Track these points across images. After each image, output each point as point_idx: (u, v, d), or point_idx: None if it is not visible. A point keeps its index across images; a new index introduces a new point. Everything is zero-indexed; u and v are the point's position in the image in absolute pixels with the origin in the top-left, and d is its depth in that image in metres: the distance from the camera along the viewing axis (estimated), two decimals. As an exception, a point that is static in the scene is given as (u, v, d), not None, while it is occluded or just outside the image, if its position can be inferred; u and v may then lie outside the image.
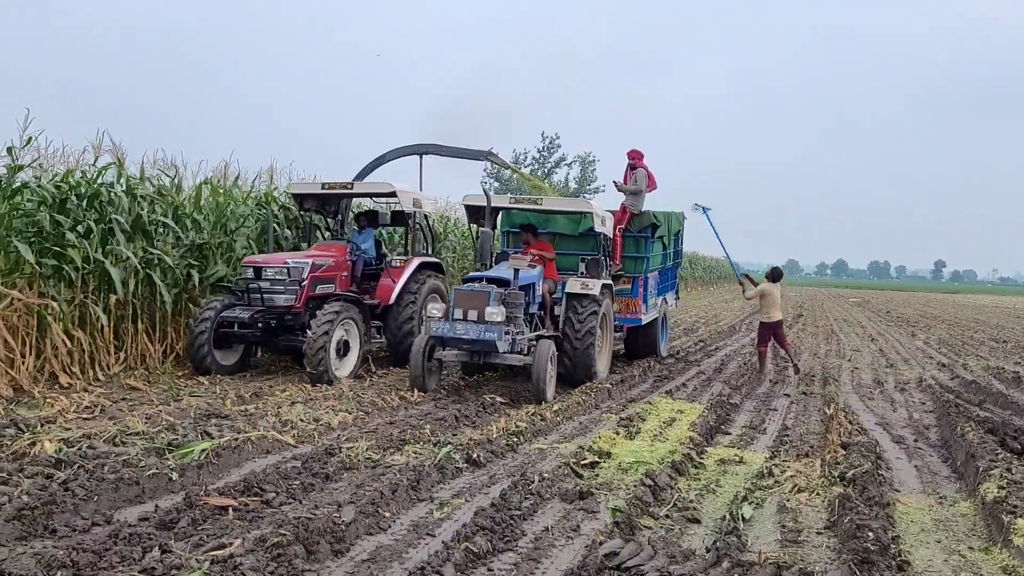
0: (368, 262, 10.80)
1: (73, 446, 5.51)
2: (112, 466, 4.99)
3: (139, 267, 9.10)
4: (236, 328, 9.29)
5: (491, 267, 9.48)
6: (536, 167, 54.57)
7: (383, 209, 11.87)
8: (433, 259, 11.25)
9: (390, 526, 4.42)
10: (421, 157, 12.55)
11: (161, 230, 9.80)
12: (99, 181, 9.13)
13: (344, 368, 9.35)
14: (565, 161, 56.42)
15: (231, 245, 10.73)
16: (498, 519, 4.45)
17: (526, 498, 4.89)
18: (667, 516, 4.90)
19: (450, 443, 6.26)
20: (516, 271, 8.82)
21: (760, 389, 10.62)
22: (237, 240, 10.81)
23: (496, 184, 48.59)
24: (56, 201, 8.52)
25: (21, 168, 8.34)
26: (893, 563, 3.95)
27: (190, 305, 9.96)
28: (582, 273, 10.26)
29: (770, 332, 11.82)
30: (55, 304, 8.16)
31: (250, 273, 9.49)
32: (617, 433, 6.98)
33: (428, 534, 4.34)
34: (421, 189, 11.93)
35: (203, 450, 5.46)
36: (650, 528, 4.67)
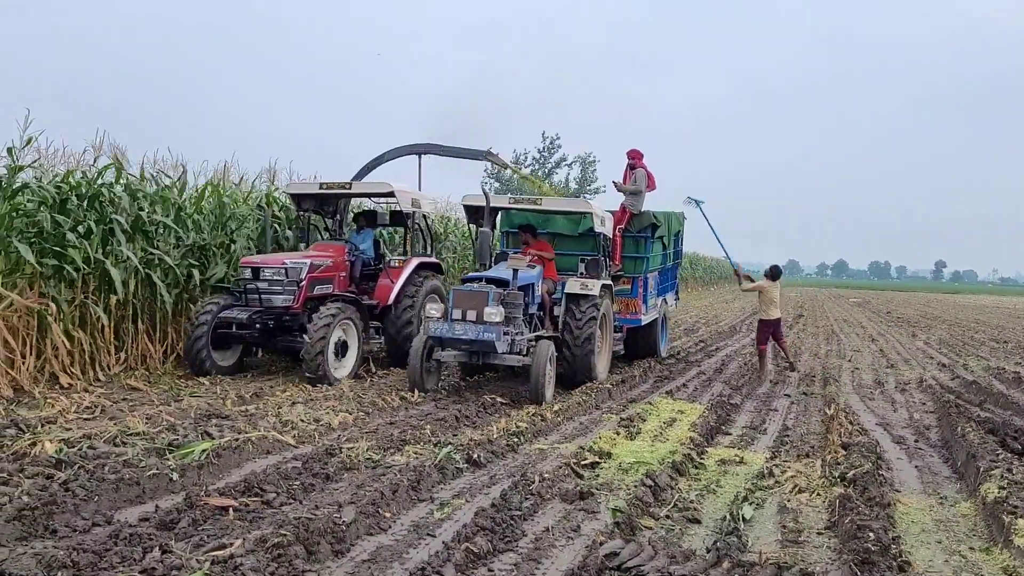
0: (367, 262, 10.77)
1: (74, 446, 5.51)
2: (112, 466, 4.99)
3: (139, 267, 9.10)
4: (234, 329, 9.26)
5: (490, 267, 9.46)
6: (536, 167, 54.57)
7: (382, 209, 11.85)
8: (432, 259, 11.21)
9: (390, 526, 4.42)
10: (420, 157, 12.53)
11: (162, 230, 9.80)
12: (99, 182, 9.13)
13: (343, 369, 9.33)
14: (566, 161, 56.44)
15: (231, 246, 10.72)
16: (498, 519, 4.45)
17: (526, 498, 4.89)
18: (667, 516, 4.90)
19: (450, 443, 6.26)
20: (515, 271, 8.78)
21: (760, 389, 10.62)
22: (237, 240, 10.81)
23: (496, 184, 48.60)
24: (56, 201, 8.53)
25: (22, 168, 8.34)
26: (894, 563, 3.95)
27: (191, 305, 9.96)
28: (582, 273, 10.24)
29: (769, 330, 11.86)
30: (54, 304, 8.16)
31: (248, 273, 9.46)
32: (618, 433, 6.98)
33: (428, 534, 4.34)
34: (420, 189, 11.90)
35: (203, 450, 5.46)
36: (650, 528, 4.67)
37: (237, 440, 5.84)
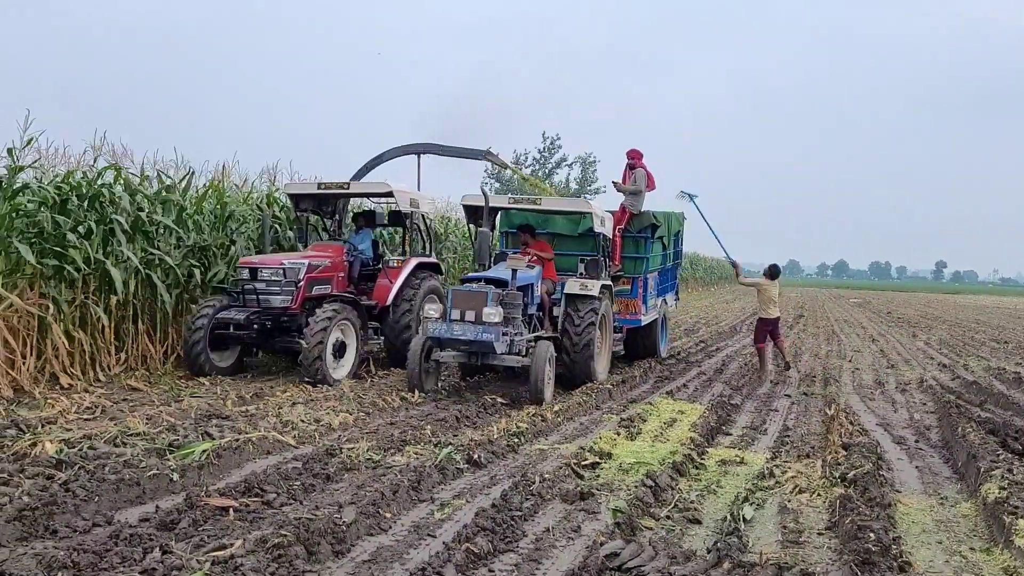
0: (365, 263, 10.73)
1: (74, 447, 5.51)
2: (113, 467, 4.99)
3: (140, 268, 9.10)
4: (232, 330, 9.21)
5: (489, 268, 9.44)
6: (537, 168, 54.58)
7: (381, 209, 11.82)
8: (431, 259, 11.18)
9: (391, 527, 4.42)
10: (419, 157, 12.52)
11: (162, 231, 9.80)
12: (99, 182, 9.13)
13: (341, 370, 9.30)
14: (566, 162, 56.45)
15: (231, 247, 10.72)
16: (499, 520, 4.45)
17: (527, 499, 4.89)
18: (668, 517, 4.90)
19: (451, 444, 6.26)
20: (514, 272, 8.74)
21: (761, 390, 10.62)
22: (237, 241, 10.80)
23: (497, 185, 48.60)
24: (57, 202, 8.53)
25: (22, 169, 8.34)
26: (894, 564, 3.95)
27: (191, 306, 9.96)
28: (581, 274, 10.22)
29: (767, 329, 11.90)
30: (54, 305, 8.17)
31: (245, 274, 9.41)
32: (618, 434, 6.97)
33: (429, 535, 4.34)
34: (419, 189, 11.87)
35: (204, 451, 5.46)
36: (651, 529, 4.67)
37: (237, 440, 5.83)
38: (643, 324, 11.96)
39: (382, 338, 10.61)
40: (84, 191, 8.92)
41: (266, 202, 11.84)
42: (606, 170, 55.89)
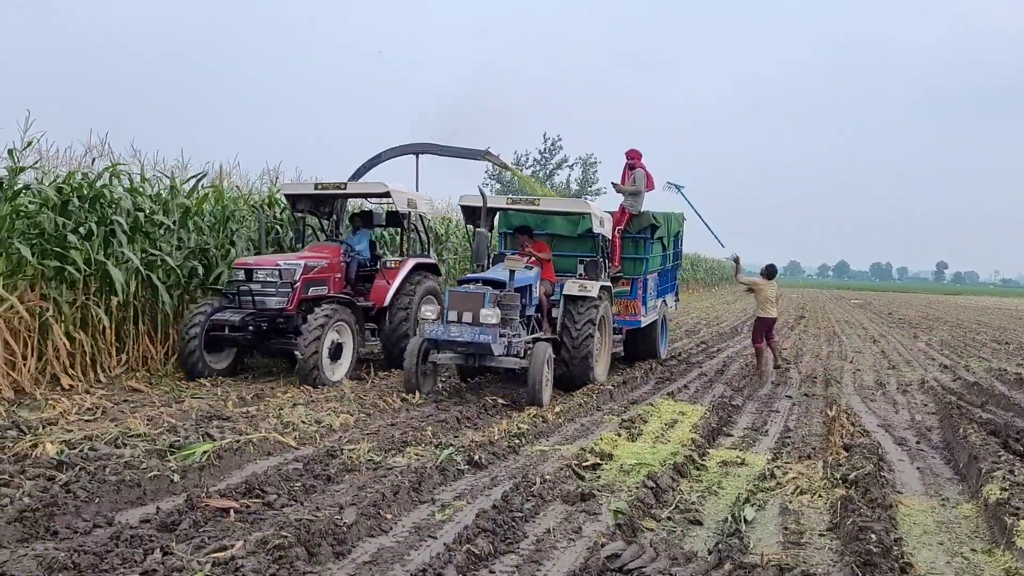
0: (362, 263, 10.68)
1: (75, 448, 5.51)
2: (114, 468, 4.99)
3: (140, 269, 9.10)
4: (227, 331, 9.13)
5: (488, 268, 9.41)
6: (538, 169, 54.62)
7: (379, 210, 11.79)
8: (429, 260, 11.13)
9: (392, 528, 4.42)
10: (417, 157, 12.49)
11: (163, 232, 9.80)
12: (100, 183, 9.13)
13: (338, 371, 9.26)
14: (567, 163, 56.50)
15: (231, 248, 10.72)
16: (500, 521, 4.45)
17: (528, 500, 4.89)
18: (669, 518, 4.90)
19: (452, 445, 6.26)
20: (512, 272, 8.67)
21: (762, 391, 10.61)
22: (237, 243, 10.79)
23: (498, 186, 48.62)
24: (58, 203, 8.53)
25: (23, 170, 8.35)
26: (896, 565, 3.94)
27: (191, 307, 9.95)
28: (580, 275, 10.18)
29: (765, 328, 11.91)
30: (55, 306, 8.17)
31: (241, 275, 9.34)
32: (619, 435, 6.97)
33: (430, 536, 4.33)
34: (417, 189, 11.84)
35: (204, 452, 5.46)
36: (652, 530, 4.67)
37: (238, 441, 5.83)
38: (643, 325, 11.92)
39: (379, 339, 10.58)
40: (85, 192, 8.92)
41: (267, 203, 11.83)
42: (607, 171, 55.93)
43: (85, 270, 8.47)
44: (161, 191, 10.06)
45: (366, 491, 4.82)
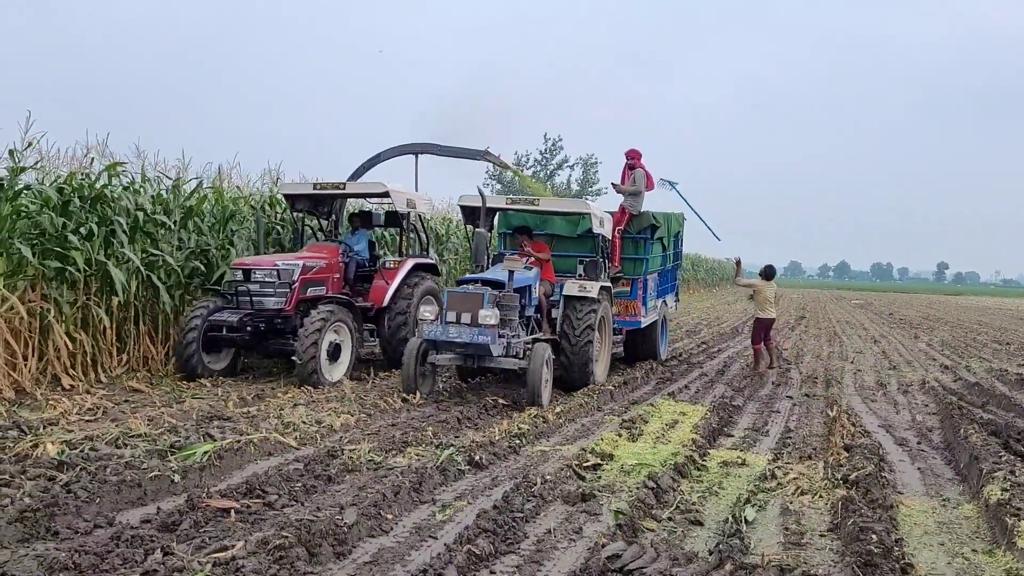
0: (361, 263, 10.67)
1: (75, 448, 5.51)
2: (114, 468, 4.99)
3: (141, 269, 9.10)
4: (224, 332, 9.10)
5: (487, 269, 9.38)
6: (539, 169, 54.63)
7: (378, 210, 11.78)
8: (428, 260, 11.11)
9: (392, 528, 4.42)
10: (416, 157, 12.47)
11: (164, 232, 9.81)
12: (100, 183, 9.14)
13: (336, 372, 9.25)
14: (568, 163, 56.51)
15: (231, 248, 10.72)
16: (500, 521, 4.44)
17: (528, 500, 4.89)
18: (670, 518, 4.90)
19: (452, 445, 6.26)
20: (511, 273, 8.64)
21: (762, 391, 10.61)
22: (237, 243, 10.79)
23: (498, 186, 48.63)
24: (58, 203, 8.54)
25: (24, 170, 8.35)
26: (896, 566, 3.94)
27: (190, 307, 9.95)
28: (580, 275, 10.16)
29: (763, 328, 11.91)
30: (55, 306, 8.17)
31: (239, 275, 9.32)
32: (619, 435, 6.97)
33: (430, 536, 4.34)
34: (416, 189, 11.83)
35: (205, 452, 5.46)
36: (653, 530, 4.67)
37: (239, 442, 5.84)
38: (643, 326, 11.90)
39: (378, 340, 10.56)
40: (86, 192, 8.93)
41: (268, 203, 11.83)
42: (607, 171, 55.92)
43: (86, 270, 8.48)
44: (162, 191, 10.06)
45: (367, 491, 4.83)
